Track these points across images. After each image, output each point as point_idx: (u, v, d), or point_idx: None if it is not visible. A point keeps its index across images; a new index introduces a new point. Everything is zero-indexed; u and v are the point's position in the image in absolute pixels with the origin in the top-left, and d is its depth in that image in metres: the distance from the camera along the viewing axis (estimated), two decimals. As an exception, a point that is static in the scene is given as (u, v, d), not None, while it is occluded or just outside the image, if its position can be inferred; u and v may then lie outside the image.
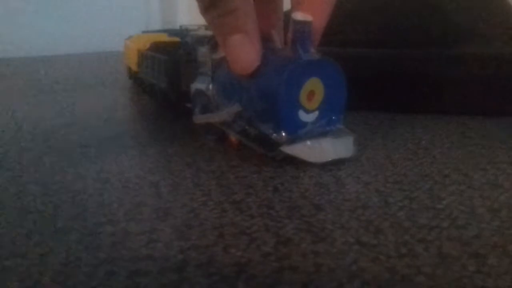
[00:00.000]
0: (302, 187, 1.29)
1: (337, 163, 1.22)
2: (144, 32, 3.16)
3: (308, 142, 0.82)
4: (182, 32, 2.57)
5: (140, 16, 5.10)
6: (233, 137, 1.07)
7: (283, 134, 0.81)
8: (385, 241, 0.96)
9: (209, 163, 1.47)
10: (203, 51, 0.95)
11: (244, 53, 0.73)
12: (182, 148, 1.57)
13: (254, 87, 0.79)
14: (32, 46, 4.47)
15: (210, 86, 0.94)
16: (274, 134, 0.81)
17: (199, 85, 0.98)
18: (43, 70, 3.49)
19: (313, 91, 0.78)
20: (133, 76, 2.27)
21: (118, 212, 1.02)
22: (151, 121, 1.97)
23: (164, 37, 2.17)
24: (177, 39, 1.97)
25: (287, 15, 1.04)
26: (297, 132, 0.82)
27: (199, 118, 1.01)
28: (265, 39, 1.00)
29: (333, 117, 0.83)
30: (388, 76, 1.61)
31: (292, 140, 0.83)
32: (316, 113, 0.81)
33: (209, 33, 1.07)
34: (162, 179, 1.24)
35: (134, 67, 2.13)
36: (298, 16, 0.71)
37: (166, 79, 1.45)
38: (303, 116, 0.80)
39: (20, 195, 1.04)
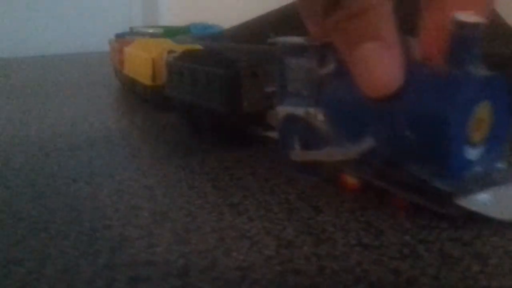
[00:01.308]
0: (299, 188, 1.29)
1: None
2: (127, 32, 3.13)
3: (491, 192, 0.62)
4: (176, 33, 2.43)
5: (121, 17, 5.06)
6: (354, 180, 0.84)
7: (451, 179, 0.61)
8: (387, 243, 0.96)
9: (202, 165, 1.45)
10: (299, 64, 0.72)
11: (382, 67, 0.54)
12: (173, 150, 1.55)
13: (398, 114, 0.58)
14: (13, 47, 4.39)
15: (312, 110, 0.71)
16: (438, 181, 0.62)
17: (293, 108, 0.75)
18: (27, 71, 3.42)
19: (482, 119, 0.59)
20: (143, 91, 1.91)
21: (114, 216, 1.00)
22: (140, 122, 1.95)
23: (177, 46, 1.82)
24: (198, 46, 1.75)
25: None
26: (463, 175, 0.61)
27: (303, 155, 0.82)
28: None
29: (498, 152, 0.63)
30: None
31: (464, 189, 0.63)
32: (482, 147, 0.61)
33: (300, 40, 0.77)
34: (156, 182, 1.22)
35: (145, 80, 1.80)
36: (463, 16, 0.52)
37: (220, 99, 1.18)
38: (469, 153, 0.60)
39: (11, 200, 1.01)
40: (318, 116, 0.71)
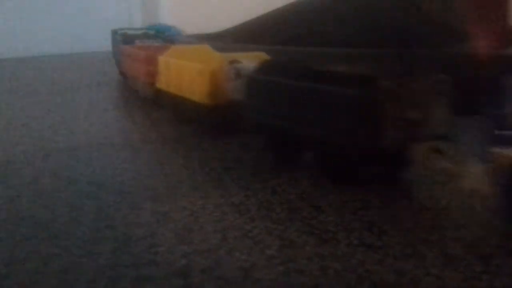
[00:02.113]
0: (300, 188, 1.29)
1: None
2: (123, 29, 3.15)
3: None
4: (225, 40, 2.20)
5: (121, 16, 5.04)
6: None
7: None
8: (390, 243, 0.96)
9: (203, 166, 1.45)
10: None
11: None
12: (174, 150, 1.55)
13: None
14: (15, 47, 4.38)
15: None
16: None
17: None
18: (27, 71, 3.42)
19: None
20: (194, 110, 1.47)
21: (116, 216, 1.00)
22: (141, 123, 1.94)
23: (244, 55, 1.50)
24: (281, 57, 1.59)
25: None
26: None
27: None
28: None
29: None
30: None
31: None
32: None
33: None
34: (158, 182, 1.22)
35: (199, 97, 1.39)
36: None
37: (349, 128, 0.84)
38: None
39: (13, 199, 1.01)
40: None
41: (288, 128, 1.04)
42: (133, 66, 2.12)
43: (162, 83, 1.73)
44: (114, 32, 3.29)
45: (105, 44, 3.35)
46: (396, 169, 1.02)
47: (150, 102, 1.97)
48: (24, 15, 4.41)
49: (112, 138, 1.59)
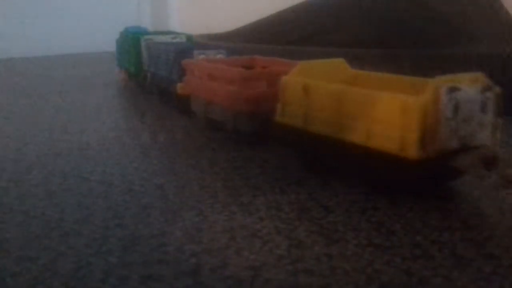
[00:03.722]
0: (309, 188, 1.29)
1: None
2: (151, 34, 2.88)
3: None
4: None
5: (130, 18, 5.06)
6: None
7: None
8: (398, 243, 0.96)
9: (212, 165, 1.46)
10: None
11: None
12: (184, 150, 1.55)
13: None
14: (23, 47, 4.43)
15: None
16: None
17: None
18: (37, 71, 3.45)
19: None
20: (391, 167, 0.96)
21: (126, 215, 1.00)
22: (150, 122, 1.95)
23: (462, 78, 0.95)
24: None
25: None
26: None
27: None
28: None
29: None
30: None
31: None
32: None
33: None
34: (167, 181, 1.23)
35: (400, 148, 0.87)
36: None
37: None
38: None
39: (23, 198, 1.02)
40: None
41: None
42: (210, 87, 1.71)
43: (293, 118, 1.19)
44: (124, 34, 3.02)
45: (109, 44, 3.33)
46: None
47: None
48: (32, 15, 4.44)
49: (121, 138, 1.61)
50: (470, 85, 0.91)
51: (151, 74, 2.35)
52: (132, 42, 2.61)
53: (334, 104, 1.05)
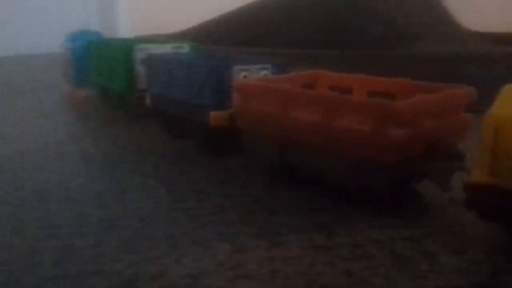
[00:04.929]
0: (254, 191, 1.28)
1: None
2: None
3: None
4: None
5: (77, 19, 4.89)
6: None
7: None
8: (340, 243, 0.96)
9: (156, 169, 1.42)
10: None
11: None
12: (127, 154, 1.51)
13: None
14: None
15: None
16: None
17: None
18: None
19: None
20: None
21: (61, 225, 0.96)
22: (93, 127, 1.89)
23: None
24: None
25: None
26: None
27: None
28: None
29: None
30: None
31: None
32: None
33: None
34: (108, 187, 1.19)
35: None
36: None
37: None
38: None
39: None
40: None
41: None
42: (304, 121, 1.09)
43: None
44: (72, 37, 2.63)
45: (57, 45, 3.14)
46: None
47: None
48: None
49: (62, 143, 1.55)
50: None
51: (154, 96, 1.73)
52: (120, 53, 2.03)
53: None
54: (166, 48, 2.01)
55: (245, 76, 1.39)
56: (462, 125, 1.08)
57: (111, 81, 2.07)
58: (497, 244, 0.90)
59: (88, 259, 0.83)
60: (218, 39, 3.07)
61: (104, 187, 1.16)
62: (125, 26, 4.33)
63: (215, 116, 1.32)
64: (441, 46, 2.66)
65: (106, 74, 2.12)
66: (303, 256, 0.88)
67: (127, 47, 1.98)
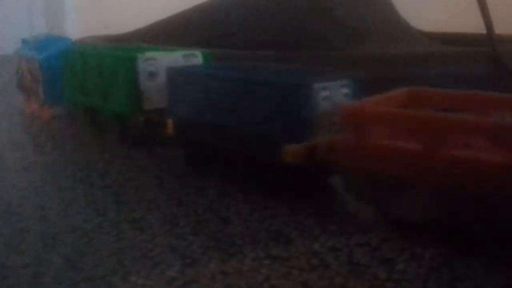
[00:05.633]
0: (208, 199, 1.23)
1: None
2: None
3: None
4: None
5: (22, 22, 4.65)
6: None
7: None
8: (296, 253, 0.93)
9: (103, 177, 1.34)
10: None
11: None
12: (72, 162, 1.42)
13: None
14: None
15: None
16: None
17: None
18: None
19: None
20: None
21: (-4, 242, 0.89)
22: (35, 134, 1.78)
23: None
24: None
25: None
26: None
27: None
28: None
29: None
30: None
31: None
32: None
33: None
34: (50, 199, 1.11)
35: None
36: None
37: None
38: None
39: None
40: None
41: None
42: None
43: None
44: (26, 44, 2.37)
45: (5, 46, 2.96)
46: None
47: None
48: None
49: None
50: None
51: (179, 120, 1.37)
52: (119, 65, 1.64)
53: None
54: (176, 57, 1.65)
55: (325, 98, 1.09)
56: None
57: (104, 100, 1.67)
58: (453, 245, 0.90)
59: (26, 280, 0.76)
60: (170, 40, 3.00)
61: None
62: (73, 26, 4.16)
63: (293, 150, 1.03)
64: (389, 46, 2.71)
65: (95, 91, 1.72)
66: (258, 268, 0.85)
67: (128, 57, 1.62)
